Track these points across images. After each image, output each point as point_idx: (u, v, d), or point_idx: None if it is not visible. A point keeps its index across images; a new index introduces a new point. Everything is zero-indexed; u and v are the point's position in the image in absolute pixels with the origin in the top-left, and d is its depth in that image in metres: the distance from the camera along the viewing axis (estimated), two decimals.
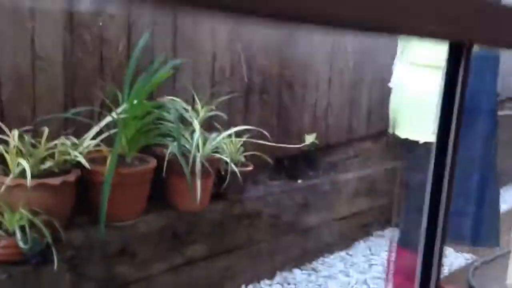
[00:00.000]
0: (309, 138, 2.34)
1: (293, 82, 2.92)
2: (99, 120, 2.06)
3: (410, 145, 2.29)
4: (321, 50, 3.06)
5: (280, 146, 2.56)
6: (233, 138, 2.37)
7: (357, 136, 3.38)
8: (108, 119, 2.01)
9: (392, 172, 3.45)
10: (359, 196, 3.26)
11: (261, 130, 2.36)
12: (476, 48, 2.22)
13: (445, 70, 0.81)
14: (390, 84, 2.49)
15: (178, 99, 2.23)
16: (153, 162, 2.12)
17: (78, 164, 1.91)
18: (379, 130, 3.54)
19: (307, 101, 3.02)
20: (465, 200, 2.26)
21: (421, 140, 2.23)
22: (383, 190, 3.34)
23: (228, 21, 2.53)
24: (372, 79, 3.43)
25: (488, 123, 2.25)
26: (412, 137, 2.26)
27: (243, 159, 2.42)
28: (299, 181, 2.94)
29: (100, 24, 2.16)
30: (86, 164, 1.86)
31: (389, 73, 3.45)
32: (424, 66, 2.25)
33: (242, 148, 2.42)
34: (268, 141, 2.47)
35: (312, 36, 2.98)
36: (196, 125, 2.18)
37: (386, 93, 3.47)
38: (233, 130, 2.28)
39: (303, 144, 2.43)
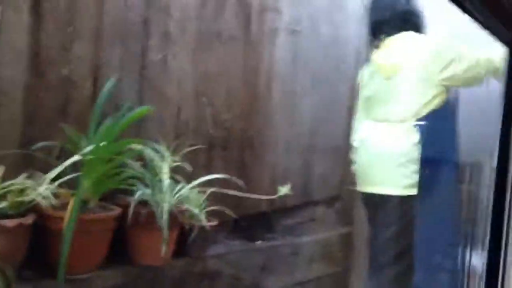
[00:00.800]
0: (283, 190, 2.28)
1: (254, 141, 2.89)
2: (60, 160, 1.90)
3: (380, 200, 2.28)
4: (282, 110, 3.08)
5: (246, 202, 2.46)
6: (197, 191, 2.27)
7: (312, 199, 3.35)
8: (71, 160, 1.86)
9: (346, 238, 3.42)
10: (316, 261, 3.18)
11: (235, 179, 2.27)
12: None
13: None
14: (354, 143, 2.52)
15: (147, 146, 2.12)
16: (117, 210, 1.96)
17: (35, 207, 1.73)
18: (333, 195, 3.54)
19: (267, 161, 2.99)
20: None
21: (393, 194, 2.24)
22: (339, 256, 3.29)
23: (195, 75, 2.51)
24: (325, 145, 3.47)
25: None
26: (384, 191, 2.26)
27: (206, 214, 2.29)
28: (258, 242, 2.83)
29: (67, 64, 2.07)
30: (45, 206, 1.68)
31: (340, 139, 3.52)
32: (390, 121, 2.31)
33: (206, 202, 2.31)
34: (234, 196, 2.38)
35: (274, 95, 3.01)
36: (165, 174, 2.06)
37: (339, 158, 3.52)
38: (204, 178, 2.18)
39: (276, 196, 2.36)
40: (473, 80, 2.21)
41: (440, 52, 2.22)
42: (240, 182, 2.35)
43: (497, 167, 0.86)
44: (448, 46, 2.26)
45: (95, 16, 2.16)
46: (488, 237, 0.88)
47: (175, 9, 2.39)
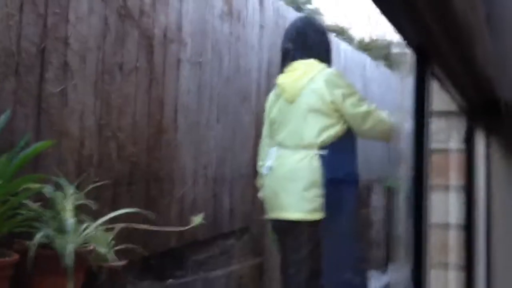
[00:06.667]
0: (197, 220, 2.21)
1: (160, 175, 2.80)
2: None
3: (288, 226, 2.30)
4: (188, 142, 3.03)
5: (155, 238, 2.36)
6: (103, 229, 2.13)
7: (222, 232, 3.31)
8: None
9: (258, 269, 3.40)
10: None
11: (149, 213, 2.16)
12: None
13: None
14: (262, 169, 2.51)
15: (47, 184, 1.96)
16: (13, 256, 1.78)
17: None
18: (241, 226, 3.52)
19: (174, 195, 2.90)
20: None
21: (299, 219, 2.27)
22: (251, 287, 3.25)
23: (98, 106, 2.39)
24: (233, 175, 3.46)
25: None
26: (290, 217, 2.29)
27: (114, 253, 2.16)
28: (169, 280, 2.71)
29: None
30: None
31: (247, 168, 3.53)
32: (293, 147, 2.35)
33: (113, 241, 2.18)
34: (143, 233, 2.27)
35: (179, 126, 2.95)
36: (68, 212, 1.92)
37: (247, 188, 3.52)
38: (110, 215, 2.05)
39: (190, 226, 2.28)
40: (361, 121, 2.31)
41: (334, 83, 2.32)
42: (149, 215, 2.25)
43: (413, 179, 0.88)
44: (342, 79, 2.38)
45: None
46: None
47: (74, 39, 2.28)
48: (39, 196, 1.98)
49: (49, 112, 2.18)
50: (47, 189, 1.94)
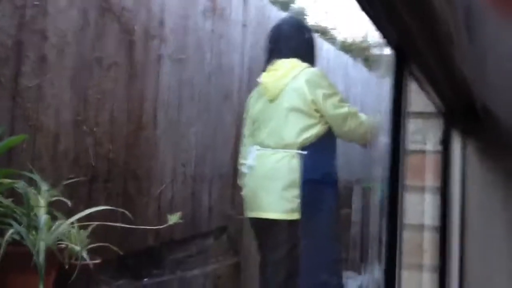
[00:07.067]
0: (173, 218, 2.18)
1: (139, 172, 2.76)
2: None
3: (267, 225, 2.29)
4: (168, 139, 3.00)
5: (131, 237, 2.33)
6: (78, 227, 2.09)
7: (199, 232, 3.28)
8: None
9: (235, 268, 3.38)
10: None
11: (124, 211, 2.13)
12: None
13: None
14: (242, 168, 2.50)
15: (20, 180, 1.92)
16: None
17: None
18: (220, 226, 3.50)
19: (152, 193, 2.87)
20: None
21: (277, 218, 2.26)
22: (228, 287, 3.23)
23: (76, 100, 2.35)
24: (213, 174, 3.44)
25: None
26: (269, 216, 2.27)
27: (88, 251, 2.12)
28: (145, 279, 2.68)
29: None
30: None
31: (227, 167, 3.51)
32: (273, 146, 2.34)
33: (88, 239, 2.14)
34: (119, 231, 2.24)
35: (159, 123, 2.92)
36: (41, 209, 1.88)
37: (226, 187, 3.50)
38: (85, 212, 2.01)
39: (166, 225, 2.25)
40: (341, 123, 2.31)
41: (316, 82, 2.31)
42: (126, 214, 2.21)
43: (388, 181, 0.87)
44: (324, 79, 2.36)
45: None
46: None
47: (52, 33, 2.24)
48: (11, 192, 1.94)
49: (24, 106, 2.14)
50: (20, 185, 1.90)
